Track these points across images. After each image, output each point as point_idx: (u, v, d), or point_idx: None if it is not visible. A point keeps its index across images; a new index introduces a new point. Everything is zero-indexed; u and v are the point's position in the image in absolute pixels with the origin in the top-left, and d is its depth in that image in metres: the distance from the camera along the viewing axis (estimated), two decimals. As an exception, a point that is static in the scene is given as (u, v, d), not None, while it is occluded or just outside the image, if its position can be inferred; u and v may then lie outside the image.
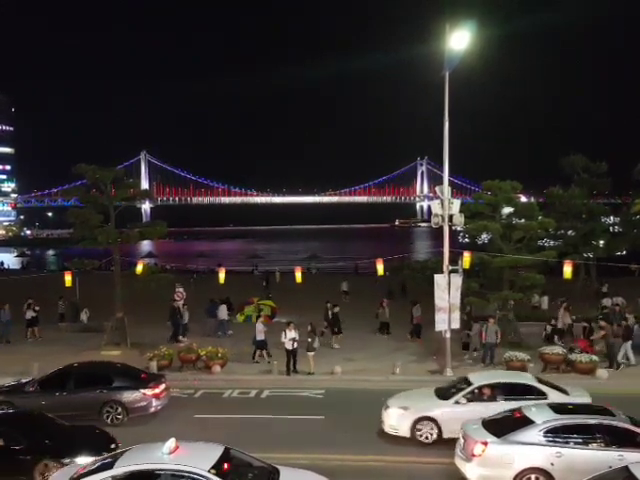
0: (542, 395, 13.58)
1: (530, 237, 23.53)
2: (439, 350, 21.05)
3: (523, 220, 24.35)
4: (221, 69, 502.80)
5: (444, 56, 18.69)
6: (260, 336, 21.40)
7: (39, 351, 23.10)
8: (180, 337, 25.02)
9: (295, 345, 19.78)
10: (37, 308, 26.77)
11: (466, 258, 22.19)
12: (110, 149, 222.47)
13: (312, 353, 19.92)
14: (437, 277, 19.54)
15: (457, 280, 19.59)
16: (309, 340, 19.98)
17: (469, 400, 13.78)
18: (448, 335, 19.63)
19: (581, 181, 30.60)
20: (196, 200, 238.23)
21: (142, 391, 15.46)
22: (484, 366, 20.16)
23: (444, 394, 14.28)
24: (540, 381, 14.34)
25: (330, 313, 24.85)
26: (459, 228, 21.96)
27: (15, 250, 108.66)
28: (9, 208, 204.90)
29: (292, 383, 18.72)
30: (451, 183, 20.71)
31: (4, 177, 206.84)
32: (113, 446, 11.81)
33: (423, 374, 19.60)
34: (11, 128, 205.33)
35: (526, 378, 14.69)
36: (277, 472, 9.81)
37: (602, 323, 21.02)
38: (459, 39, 18.08)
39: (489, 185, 24.05)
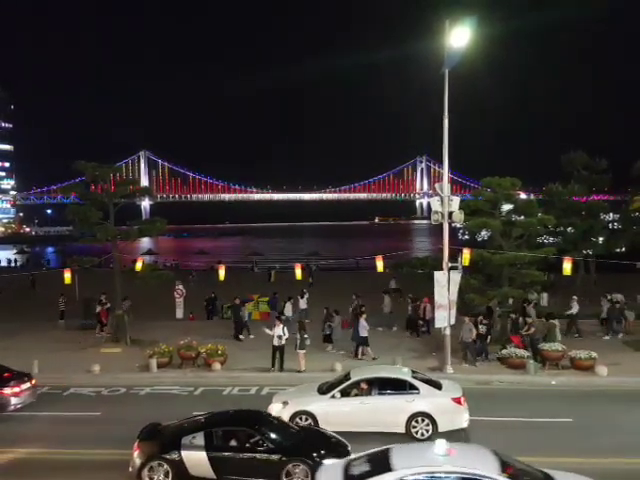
0: (415, 389, 14.17)
1: (530, 234, 23.56)
2: (439, 346, 21.09)
3: (523, 217, 24.33)
4: (221, 69, 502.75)
5: (444, 53, 18.68)
6: (363, 332, 21.24)
7: (40, 348, 23.05)
8: (240, 336, 24.95)
9: (283, 342, 19.77)
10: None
11: (466, 255, 22.21)
12: (109, 147, 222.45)
13: (303, 351, 19.83)
14: (437, 274, 19.56)
15: (456, 277, 19.64)
16: (298, 337, 19.88)
17: (344, 395, 14.19)
18: (448, 332, 19.68)
19: (581, 178, 30.58)
20: (196, 197, 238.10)
21: None
22: (479, 364, 20.23)
23: (325, 389, 14.60)
24: (415, 377, 14.66)
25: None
26: (459, 225, 21.93)
27: (14, 247, 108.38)
28: (8, 205, 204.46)
29: (292, 380, 18.66)
30: (451, 180, 20.71)
31: (3, 174, 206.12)
32: (350, 449, 11.38)
33: (423, 370, 19.51)
34: (10, 125, 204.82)
35: (401, 373, 14.99)
36: (550, 478, 9.06)
37: (529, 319, 21.84)
38: (459, 36, 18.03)
39: (489, 182, 24.02)
